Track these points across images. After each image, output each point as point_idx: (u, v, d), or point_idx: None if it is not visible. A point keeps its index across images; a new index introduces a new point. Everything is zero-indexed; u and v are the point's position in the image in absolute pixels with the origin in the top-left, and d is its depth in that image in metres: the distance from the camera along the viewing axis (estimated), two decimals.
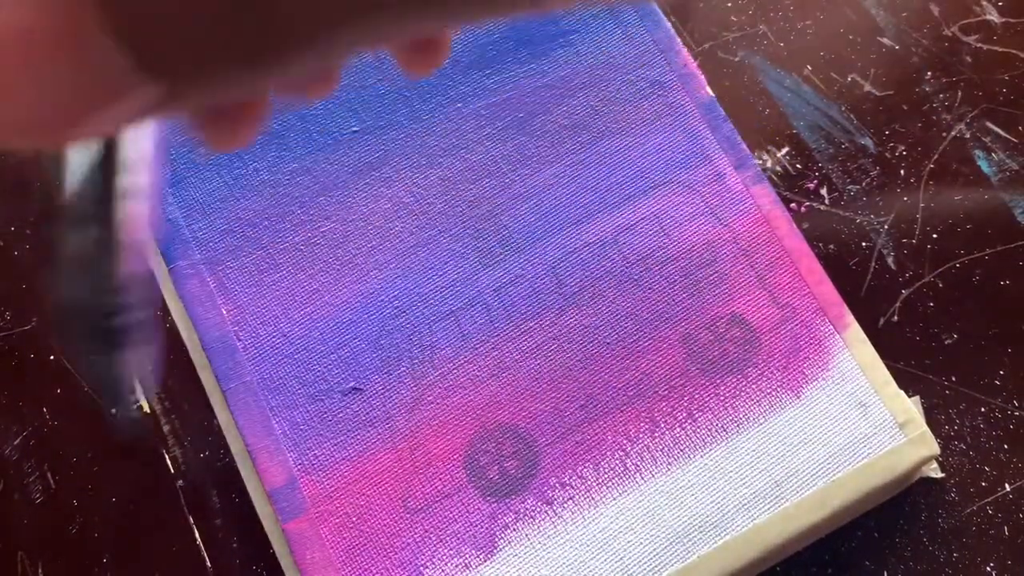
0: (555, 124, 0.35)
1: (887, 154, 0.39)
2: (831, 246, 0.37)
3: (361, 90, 0.35)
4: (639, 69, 0.36)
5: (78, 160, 0.16)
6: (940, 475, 0.33)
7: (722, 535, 0.30)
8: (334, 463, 0.30)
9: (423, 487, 0.30)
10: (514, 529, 0.30)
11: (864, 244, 0.37)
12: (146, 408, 0.35)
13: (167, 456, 0.34)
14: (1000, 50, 0.41)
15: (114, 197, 0.17)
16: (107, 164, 0.16)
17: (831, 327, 0.32)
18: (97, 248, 0.17)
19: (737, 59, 0.41)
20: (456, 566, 0.29)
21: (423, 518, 0.30)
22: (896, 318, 0.36)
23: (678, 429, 0.31)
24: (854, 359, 0.32)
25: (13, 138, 0.10)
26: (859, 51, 0.41)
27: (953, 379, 0.35)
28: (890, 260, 0.37)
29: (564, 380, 0.31)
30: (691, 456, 0.31)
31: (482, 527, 0.30)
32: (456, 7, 0.11)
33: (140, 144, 0.16)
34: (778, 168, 0.39)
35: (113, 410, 0.27)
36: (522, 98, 0.35)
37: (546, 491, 0.30)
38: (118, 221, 0.17)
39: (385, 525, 0.30)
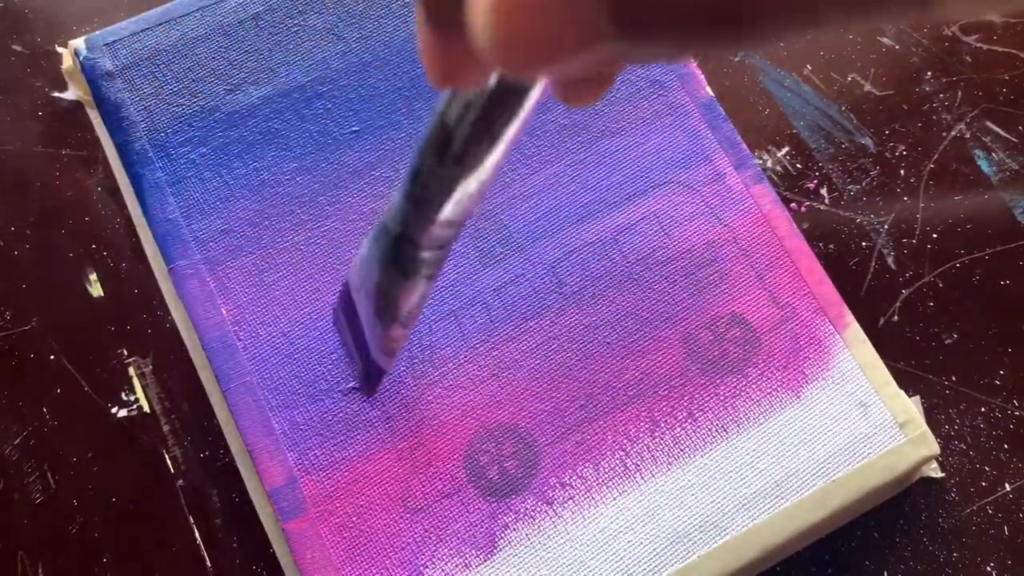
0: (555, 124, 0.35)
1: (887, 154, 0.39)
2: (831, 246, 0.37)
3: (361, 90, 0.35)
4: (639, 69, 0.36)
5: (476, 98, 0.17)
6: (940, 475, 0.33)
7: (722, 535, 0.30)
8: (334, 463, 0.30)
9: (423, 487, 0.30)
10: (514, 529, 0.30)
11: (864, 244, 0.37)
12: (146, 408, 0.35)
13: (167, 456, 0.34)
14: (1000, 50, 0.41)
15: (495, 141, 0.17)
16: (507, 107, 0.17)
17: (831, 327, 0.32)
18: (450, 184, 0.18)
19: (737, 59, 0.41)
20: (456, 566, 0.29)
21: (423, 518, 0.30)
22: (896, 318, 0.36)
23: (678, 429, 0.31)
24: (854, 359, 0.32)
25: (509, 62, 0.12)
26: (859, 51, 0.41)
27: (953, 379, 0.35)
28: (890, 260, 0.37)
29: (564, 380, 0.31)
30: (691, 456, 0.31)
31: (482, 527, 0.30)
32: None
33: (534, 97, 0.17)
34: (778, 168, 0.39)
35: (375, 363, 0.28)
36: None
37: (546, 491, 0.30)
38: (484, 165, 0.17)
39: (385, 525, 0.30)
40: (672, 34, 0.12)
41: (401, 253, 0.21)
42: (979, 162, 0.39)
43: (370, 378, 0.30)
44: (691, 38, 0.12)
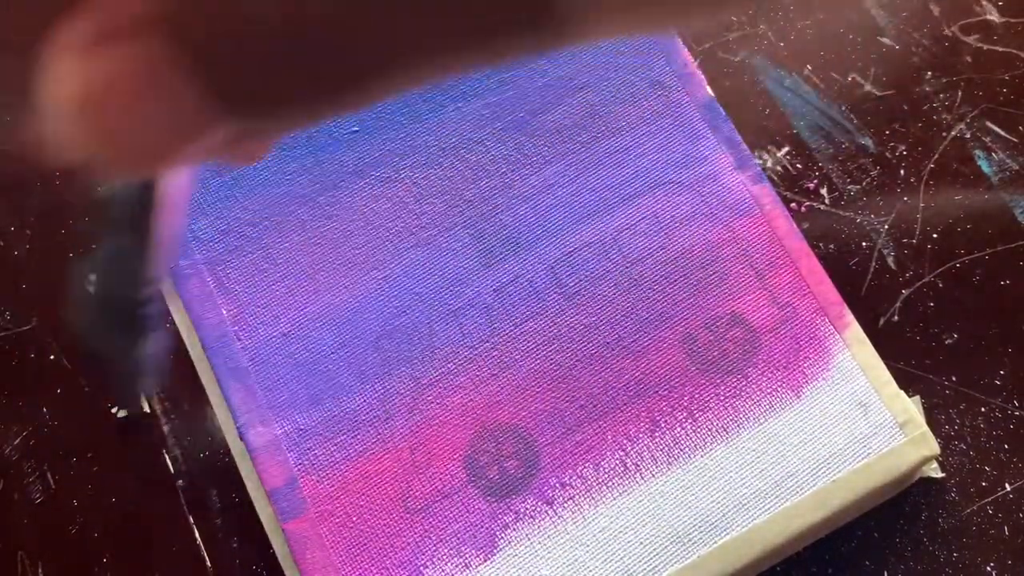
0: (555, 124, 0.35)
1: (887, 154, 0.39)
2: (831, 246, 0.37)
3: None
4: (639, 69, 0.36)
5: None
6: (940, 475, 0.33)
7: (722, 535, 0.30)
8: (334, 463, 0.30)
9: (423, 487, 0.30)
10: (514, 529, 0.30)
11: (864, 244, 0.37)
12: (146, 408, 0.35)
13: (167, 456, 0.34)
14: (1000, 50, 0.41)
15: (156, 205, 0.18)
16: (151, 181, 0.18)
17: (831, 327, 0.32)
18: (137, 248, 0.19)
19: (737, 59, 0.41)
20: (456, 566, 0.29)
21: (423, 518, 0.30)
22: (896, 318, 0.36)
23: (678, 429, 0.31)
24: (854, 359, 0.32)
25: (113, 171, 0.12)
26: (859, 51, 0.41)
27: (953, 379, 0.35)
28: (890, 260, 0.37)
29: (564, 380, 0.31)
30: (691, 456, 0.31)
31: (482, 527, 0.30)
32: (501, 49, 0.12)
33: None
34: (778, 168, 0.39)
35: (123, 410, 0.30)
36: (522, 98, 0.35)
37: (546, 491, 0.30)
38: (157, 225, 0.19)
39: (385, 525, 0.30)
40: (286, 110, 0.12)
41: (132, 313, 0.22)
42: (979, 162, 0.39)
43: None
44: (310, 110, 0.12)
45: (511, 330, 0.32)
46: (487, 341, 0.32)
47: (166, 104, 0.11)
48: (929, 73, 0.40)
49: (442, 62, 0.12)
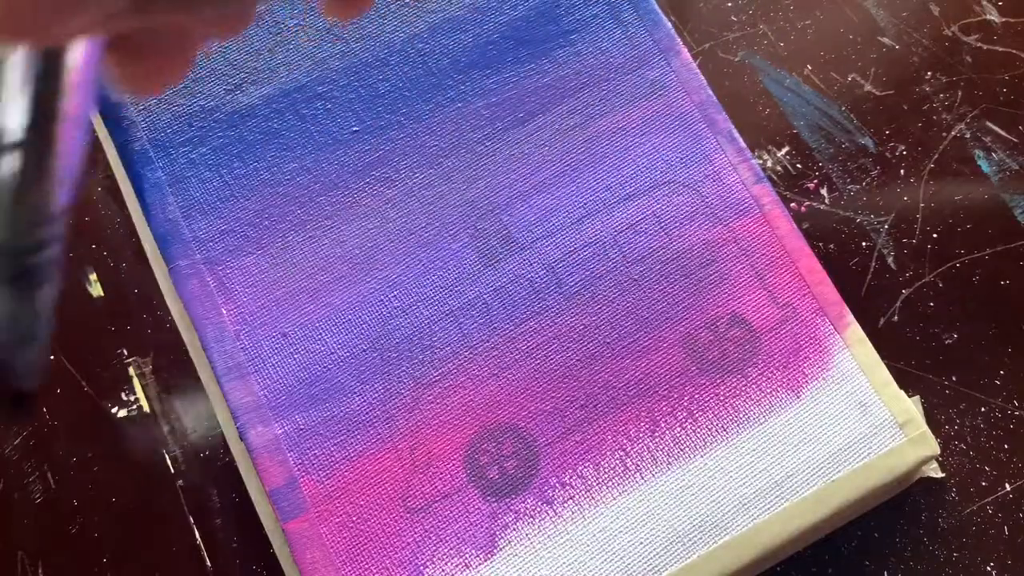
0: (555, 124, 0.35)
1: (887, 154, 0.39)
2: (831, 246, 0.37)
3: (361, 90, 0.35)
4: (639, 69, 0.36)
5: (14, 78, 0.15)
6: (940, 475, 0.33)
7: (722, 535, 0.30)
8: (334, 463, 0.30)
9: (423, 487, 0.30)
10: (514, 529, 0.30)
11: (864, 244, 0.37)
12: (146, 408, 0.35)
13: (167, 456, 0.34)
14: (1000, 50, 0.41)
15: (51, 120, 0.16)
16: (46, 83, 0.15)
17: (831, 327, 0.32)
18: (29, 176, 0.16)
19: (737, 59, 0.41)
20: (456, 566, 0.29)
21: (423, 518, 0.30)
22: (896, 318, 0.36)
23: (678, 429, 0.31)
24: (854, 359, 0.32)
25: None
26: (859, 51, 0.41)
27: (953, 379, 0.35)
28: (890, 260, 0.37)
29: (564, 380, 0.31)
30: (691, 456, 0.31)
31: (482, 527, 0.30)
32: None
33: (80, 65, 0.15)
34: (778, 168, 0.39)
35: (12, 359, 0.23)
36: (522, 98, 0.35)
37: (546, 491, 0.30)
38: (53, 147, 0.16)
39: (385, 525, 0.30)
40: None
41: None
42: (979, 162, 0.39)
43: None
44: None
45: (511, 330, 0.32)
46: (487, 341, 0.32)
47: None
48: (929, 73, 0.40)
49: None
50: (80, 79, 0.16)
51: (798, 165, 0.39)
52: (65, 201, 0.17)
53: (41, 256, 0.17)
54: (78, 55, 0.15)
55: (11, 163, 0.16)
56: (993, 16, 0.41)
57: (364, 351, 0.32)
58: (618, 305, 0.32)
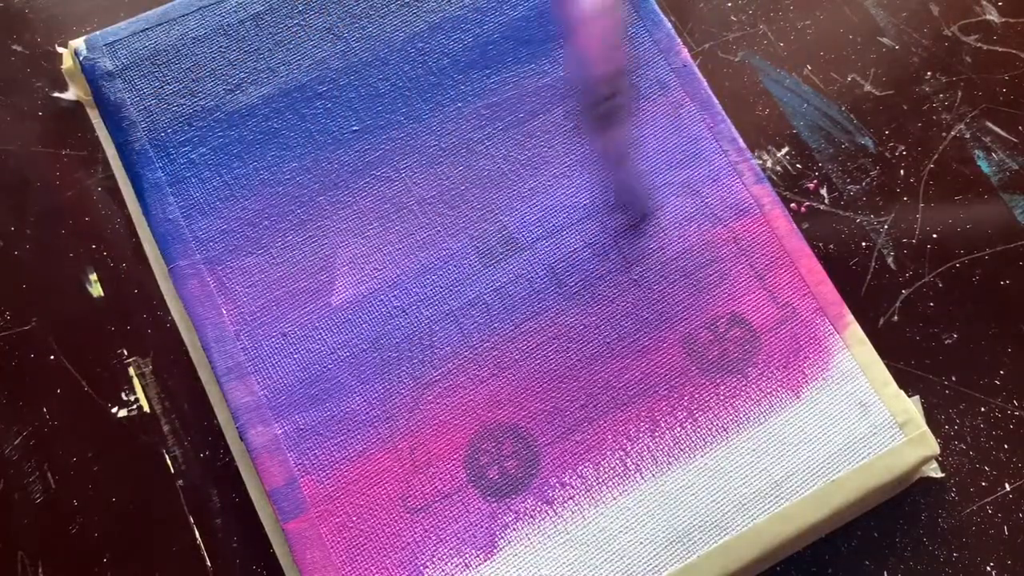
0: (555, 124, 0.35)
1: (887, 154, 0.39)
2: (831, 246, 0.37)
3: (361, 90, 0.35)
4: (639, 69, 0.36)
5: None
6: (940, 475, 0.33)
7: (722, 535, 0.30)
8: (334, 463, 0.30)
9: (423, 487, 0.30)
10: (514, 529, 0.30)
11: (864, 244, 0.37)
12: (146, 408, 0.35)
13: (167, 456, 0.34)
14: (1000, 50, 0.41)
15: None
16: None
17: (831, 327, 0.32)
18: (606, 41, 0.22)
19: (737, 59, 0.41)
20: (456, 566, 0.29)
21: (423, 518, 0.30)
22: (896, 318, 0.36)
23: (678, 429, 0.31)
24: (854, 359, 0.32)
25: None
26: (859, 51, 0.41)
27: (953, 379, 0.35)
28: (890, 260, 0.37)
29: (564, 380, 0.31)
30: (691, 456, 0.31)
31: (482, 527, 0.30)
32: None
33: None
34: (778, 168, 0.39)
35: (623, 186, 0.33)
36: (522, 98, 0.35)
37: (546, 491, 0.30)
38: (620, 22, 0.22)
39: (385, 525, 0.30)
40: None
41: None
42: (979, 162, 0.39)
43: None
44: None
45: (511, 330, 0.32)
46: (487, 341, 0.32)
47: None
48: (929, 73, 0.40)
49: None
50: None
51: (798, 165, 0.39)
52: (618, 64, 0.23)
53: (614, 102, 0.24)
54: None
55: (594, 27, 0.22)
56: (993, 16, 0.41)
57: (364, 351, 0.32)
58: (618, 305, 0.32)
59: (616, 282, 0.33)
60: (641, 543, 0.30)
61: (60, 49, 0.40)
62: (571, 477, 0.30)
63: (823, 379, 0.32)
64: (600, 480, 0.30)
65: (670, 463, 0.31)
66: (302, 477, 0.30)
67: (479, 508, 0.30)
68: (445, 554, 0.29)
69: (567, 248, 0.33)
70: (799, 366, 0.32)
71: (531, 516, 0.30)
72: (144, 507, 0.34)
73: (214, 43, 0.35)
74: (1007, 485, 0.34)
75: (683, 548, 0.29)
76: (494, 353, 0.32)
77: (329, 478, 0.30)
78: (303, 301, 0.32)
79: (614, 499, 0.30)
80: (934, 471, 0.33)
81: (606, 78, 0.25)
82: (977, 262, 0.37)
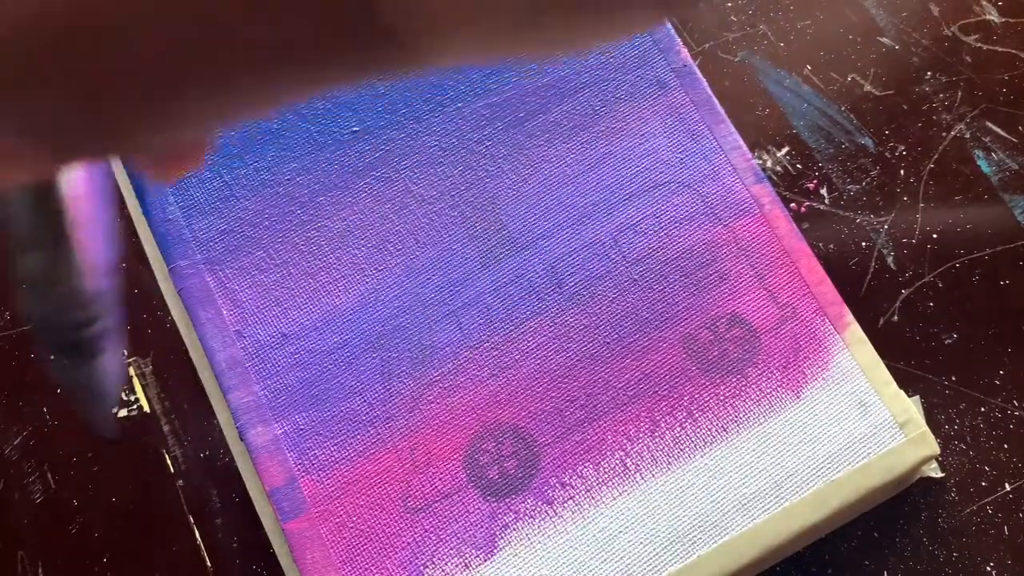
0: (555, 124, 0.35)
1: (887, 154, 0.39)
2: (831, 246, 0.37)
3: (361, 90, 0.35)
4: (639, 69, 0.36)
5: (17, 194, 0.17)
6: (940, 475, 0.33)
7: (722, 535, 0.30)
8: (334, 463, 0.30)
9: (423, 487, 0.30)
10: (514, 529, 0.30)
11: (864, 244, 0.37)
12: (146, 408, 0.35)
13: (167, 456, 0.34)
14: (1000, 50, 0.41)
15: (59, 225, 0.17)
16: (44, 199, 0.17)
17: (831, 327, 0.32)
18: (52, 269, 0.18)
19: (737, 59, 0.41)
20: (456, 566, 0.29)
21: (423, 518, 0.30)
22: (896, 318, 0.36)
23: (678, 429, 0.31)
24: (854, 359, 0.32)
25: None
26: (859, 51, 0.41)
27: (953, 379, 0.35)
28: (890, 260, 0.37)
29: (564, 380, 0.31)
30: (691, 456, 0.31)
31: (482, 527, 0.30)
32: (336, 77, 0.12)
33: (76, 179, 0.17)
34: (778, 168, 0.39)
35: (92, 417, 0.28)
36: (522, 98, 0.35)
37: (546, 491, 0.30)
38: (69, 246, 0.18)
39: (385, 525, 0.30)
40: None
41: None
42: (979, 162, 0.39)
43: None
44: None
45: (511, 330, 0.32)
46: (487, 341, 0.32)
47: None
48: (929, 73, 0.40)
49: (286, 79, 0.11)
50: (84, 191, 0.17)
51: (798, 165, 0.39)
52: (100, 286, 0.19)
53: (91, 331, 0.20)
54: (74, 178, 0.17)
55: (36, 261, 0.18)
56: (993, 16, 0.41)
57: (364, 351, 0.32)
58: (618, 305, 0.32)
59: (616, 282, 0.33)
60: (641, 543, 0.30)
61: None
62: (571, 477, 0.30)
63: (823, 379, 0.32)
64: (600, 480, 0.30)
65: (670, 463, 0.31)
66: (302, 477, 0.30)
67: (479, 508, 0.30)
68: (445, 554, 0.29)
69: (567, 248, 0.33)
70: (799, 366, 0.32)
71: (531, 516, 0.30)
72: (144, 507, 0.33)
73: None
74: (1007, 485, 0.34)
75: (683, 548, 0.29)
76: (494, 353, 0.32)
77: (329, 478, 0.30)
78: (303, 301, 0.32)
79: (614, 499, 0.30)
80: (934, 471, 0.33)
81: (87, 299, 0.20)
82: (977, 262, 0.37)
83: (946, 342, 0.36)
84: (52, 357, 0.20)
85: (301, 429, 0.31)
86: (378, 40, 0.11)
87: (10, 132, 0.11)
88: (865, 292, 0.37)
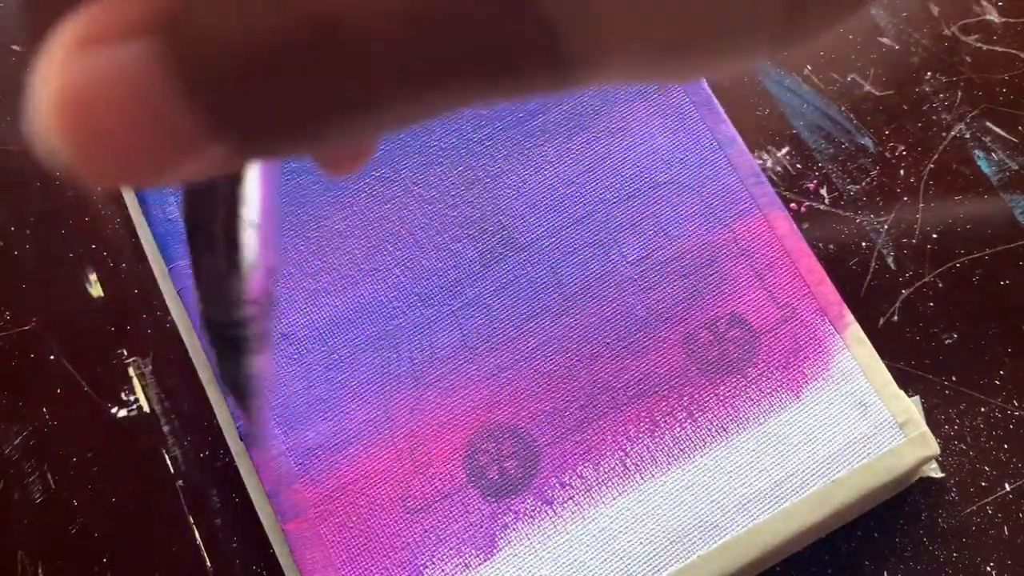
0: (555, 124, 0.35)
1: (887, 154, 0.39)
2: (831, 246, 0.37)
3: None
4: None
5: (200, 191, 0.18)
6: (940, 475, 0.33)
7: (722, 535, 0.30)
8: (334, 463, 0.30)
9: (423, 487, 0.30)
10: (514, 529, 0.30)
11: (864, 244, 0.37)
12: (146, 408, 0.35)
13: (167, 456, 0.34)
14: (1000, 50, 0.41)
15: (240, 226, 0.18)
16: (229, 196, 0.17)
17: (831, 327, 0.32)
18: (228, 269, 0.19)
19: None
20: (456, 566, 0.29)
21: (423, 518, 0.30)
22: (896, 318, 0.36)
23: (678, 429, 0.31)
24: (854, 359, 0.32)
25: (95, 179, 0.11)
26: (859, 51, 0.41)
27: (953, 379, 0.35)
28: (890, 260, 0.37)
29: (564, 380, 0.31)
30: (691, 456, 0.31)
31: (482, 527, 0.30)
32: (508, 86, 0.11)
33: (255, 178, 0.18)
34: (778, 168, 0.39)
35: (241, 412, 0.29)
36: None
37: (546, 491, 0.30)
38: (244, 246, 0.18)
39: (385, 525, 0.30)
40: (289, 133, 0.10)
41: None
42: (979, 162, 0.39)
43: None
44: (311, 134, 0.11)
45: (511, 330, 0.32)
46: (487, 341, 0.32)
47: (151, 115, 0.10)
48: (929, 73, 0.40)
49: (452, 94, 0.11)
50: (260, 191, 0.18)
51: (798, 165, 0.39)
52: (259, 289, 0.20)
53: (245, 331, 0.21)
54: (254, 176, 0.18)
55: (210, 259, 0.19)
56: (993, 16, 0.41)
57: (364, 351, 0.32)
58: (618, 305, 0.32)
59: (616, 282, 0.33)
60: (641, 543, 0.30)
61: None
62: (571, 477, 0.30)
63: (823, 379, 0.32)
64: (600, 480, 0.30)
65: (670, 463, 0.31)
66: (302, 477, 0.30)
67: (479, 508, 0.30)
68: (445, 554, 0.29)
69: (567, 248, 0.33)
70: (799, 366, 0.32)
71: (531, 516, 0.30)
72: (144, 507, 0.33)
73: None
74: (1007, 485, 0.34)
75: (683, 548, 0.29)
76: (494, 353, 0.32)
77: (329, 478, 0.30)
78: (303, 302, 0.32)
79: (614, 499, 0.30)
80: (934, 471, 0.33)
81: (252, 299, 0.21)
82: (977, 262, 0.37)
83: (946, 342, 0.36)
84: (215, 351, 0.21)
85: (301, 429, 0.31)
86: (550, 58, 0.10)
87: (235, 131, 0.10)
88: (865, 292, 0.37)
